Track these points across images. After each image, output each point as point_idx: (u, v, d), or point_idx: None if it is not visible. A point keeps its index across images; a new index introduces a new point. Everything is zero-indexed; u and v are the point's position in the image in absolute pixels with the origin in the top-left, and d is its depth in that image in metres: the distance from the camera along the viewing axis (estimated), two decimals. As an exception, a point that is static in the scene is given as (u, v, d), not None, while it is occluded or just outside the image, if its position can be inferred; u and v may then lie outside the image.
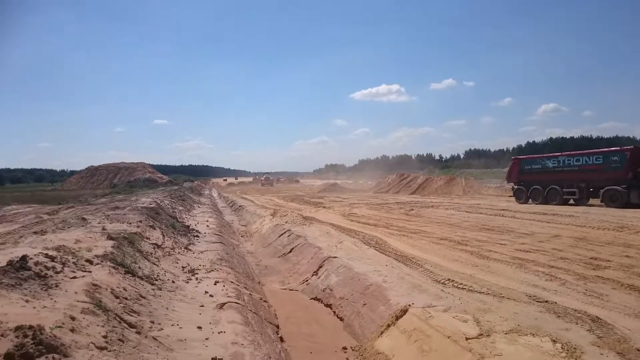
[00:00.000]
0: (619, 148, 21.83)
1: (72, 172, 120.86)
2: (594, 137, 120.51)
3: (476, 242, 10.56)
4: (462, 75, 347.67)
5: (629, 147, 21.11)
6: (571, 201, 22.65)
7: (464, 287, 6.57)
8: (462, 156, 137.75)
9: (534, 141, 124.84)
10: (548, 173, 23.67)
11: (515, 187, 25.58)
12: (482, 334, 4.64)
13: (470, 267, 7.94)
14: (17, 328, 2.90)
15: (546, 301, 5.71)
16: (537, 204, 23.34)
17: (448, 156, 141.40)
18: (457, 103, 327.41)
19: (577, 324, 4.83)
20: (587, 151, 23.07)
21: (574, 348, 4.15)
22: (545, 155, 25.70)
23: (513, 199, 25.55)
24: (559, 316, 5.10)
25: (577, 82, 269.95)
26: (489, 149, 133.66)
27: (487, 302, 5.75)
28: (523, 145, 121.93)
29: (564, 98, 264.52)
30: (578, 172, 22.15)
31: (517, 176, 25.55)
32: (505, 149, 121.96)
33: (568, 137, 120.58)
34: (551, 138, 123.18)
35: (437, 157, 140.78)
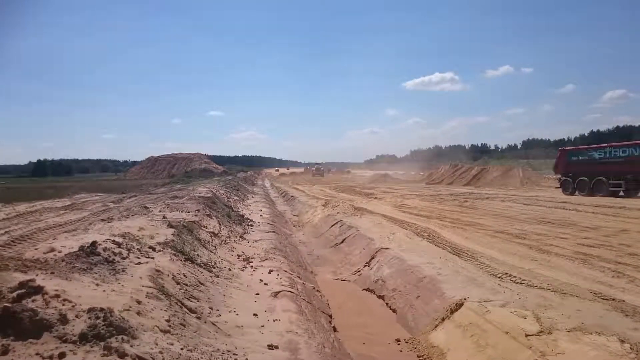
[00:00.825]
0: None
1: (134, 163, 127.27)
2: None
3: (535, 235, 10.15)
4: (519, 62, 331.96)
5: None
6: (621, 193, 21.84)
7: (523, 281, 6.35)
8: (519, 146, 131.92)
9: (598, 130, 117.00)
10: (594, 164, 23.23)
11: (562, 178, 25.32)
12: (542, 331, 4.48)
13: (528, 262, 7.64)
14: (90, 310, 3.10)
15: (613, 299, 5.42)
16: (583, 195, 22.81)
17: (504, 146, 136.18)
18: (515, 91, 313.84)
19: (647, 324, 4.56)
20: (633, 142, 22.43)
21: (645, 349, 3.92)
22: (591, 146, 25.44)
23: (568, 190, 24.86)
24: (627, 315, 4.83)
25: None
26: (549, 139, 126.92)
27: (547, 298, 5.53)
28: (586, 135, 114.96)
29: (634, 83, 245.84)
30: (625, 163, 21.54)
31: (564, 167, 25.31)
32: (566, 139, 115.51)
33: (637, 125, 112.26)
34: (618, 127, 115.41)
35: (492, 147, 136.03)
